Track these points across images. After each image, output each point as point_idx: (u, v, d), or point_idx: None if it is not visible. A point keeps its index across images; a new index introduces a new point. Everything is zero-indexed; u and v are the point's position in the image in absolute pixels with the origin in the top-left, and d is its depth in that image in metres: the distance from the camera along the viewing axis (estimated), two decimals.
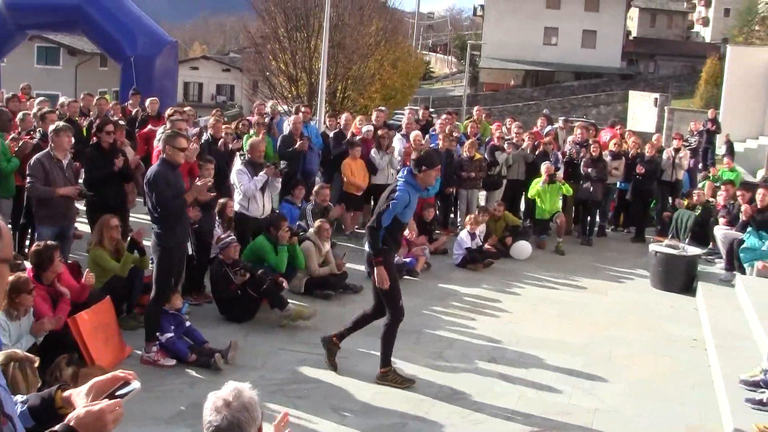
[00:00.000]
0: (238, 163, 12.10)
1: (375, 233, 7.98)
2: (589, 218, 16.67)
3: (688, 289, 12.84)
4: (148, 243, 9.16)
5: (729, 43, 44.41)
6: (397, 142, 15.84)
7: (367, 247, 8.33)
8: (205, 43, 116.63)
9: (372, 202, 15.54)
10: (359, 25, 36.66)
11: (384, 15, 41.78)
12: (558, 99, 67.00)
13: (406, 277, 12.55)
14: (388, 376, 8.26)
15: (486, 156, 16.07)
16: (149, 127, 15.00)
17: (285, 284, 10.26)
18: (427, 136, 16.36)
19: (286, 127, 15.03)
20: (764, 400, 7.57)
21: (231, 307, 10.01)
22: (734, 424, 7.26)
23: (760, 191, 13.46)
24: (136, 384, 2.85)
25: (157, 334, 8.36)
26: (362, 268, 12.56)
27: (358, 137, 15.44)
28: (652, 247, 13.58)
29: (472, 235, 13.80)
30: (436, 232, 14.94)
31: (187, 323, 8.81)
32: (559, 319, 11.13)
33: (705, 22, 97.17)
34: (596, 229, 16.89)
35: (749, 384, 8.10)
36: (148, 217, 8.87)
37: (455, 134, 16.11)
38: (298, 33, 35.79)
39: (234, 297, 9.96)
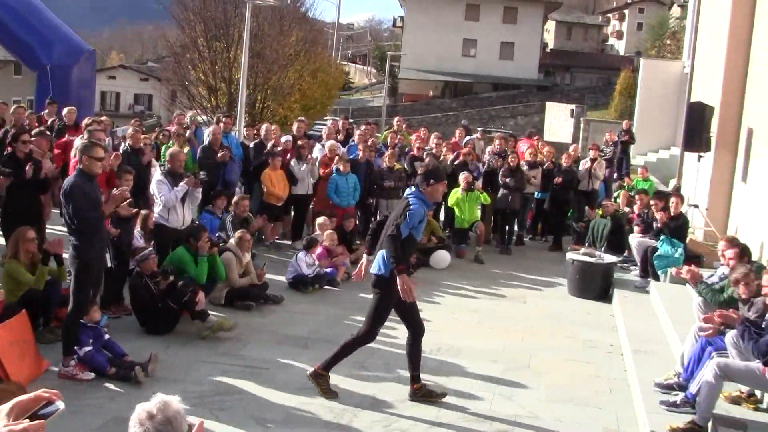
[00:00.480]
0: (158, 174, 11.95)
1: (395, 241, 7.71)
2: (507, 227, 16.89)
3: (605, 296, 13.10)
4: (65, 254, 8.99)
5: (642, 56, 45.53)
6: (318, 152, 15.85)
7: (375, 270, 7.97)
8: (122, 51, 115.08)
9: (292, 213, 15.51)
10: (279, 36, 36.54)
11: (304, 25, 41.73)
12: (476, 110, 67.72)
13: (327, 287, 12.57)
14: (320, 380, 8.17)
15: (406, 166, 16.17)
16: (67, 137, 14.72)
17: (202, 300, 10.10)
18: (346, 147, 16.43)
19: (206, 138, 14.91)
20: (678, 402, 7.78)
21: (151, 319, 9.87)
22: (650, 426, 7.44)
23: (672, 200, 13.81)
24: (60, 404, 2.78)
25: (75, 347, 8.21)
26: (282, 278, 12.54)
27: (278, 148, 15.38)
28: (569, 255, 13.82)
29: None
30: (356, 242, 14.95)
31: (106, 336, 8.68)
32: (479, 327, 11.26)
33: (619, 35, 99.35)
34: (514, 238, 17.11)
35: (664, 387, 8.31)
36: (65, 229, 8.71)
37: (375, 144, 16.19)
38: (217, 42, 35.49)
39: (154, 309, 9.83)
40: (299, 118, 18.67)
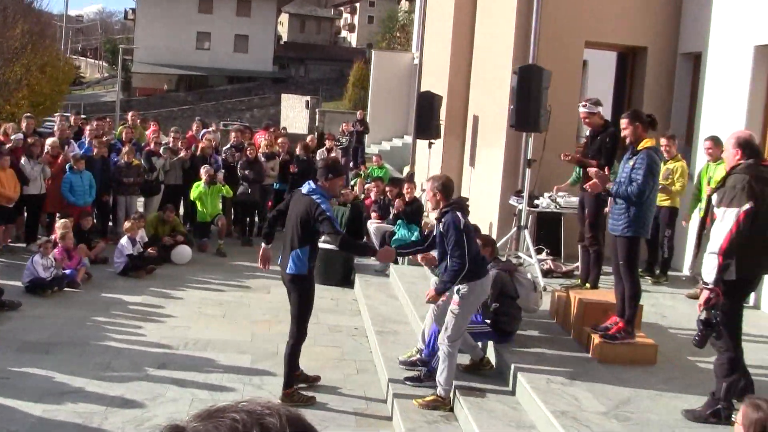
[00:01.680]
0: None
1: (346, 239, 8.06)
2: (248, 219, 16.93)
3: (347, 281, 13.46)
4: None
5: (374, 48, 46.83)
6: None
7: (290, 270, 7.91)
8: None
9: (26, 214, 14.73)
10: (3, 28, 34.46)
11: (30, 17, 39.51)
12: (212, 103, 67.19)
13: (67, 289, 12.08)
14: (294, 397, 8.07)
15: (143, 162, 15.83)
16: None
17: None
18: (77, 144, 15.85)
19: None
20: (422, 377, 8.18)
21: None
22: (396, 403, 7.76)
23: (406, 186, 14.38)
24: None
25: None
26: (19, 283, 11.93)
27: (7, 146, 14.53)
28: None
29: (133, 242, 13.51)
30: (95, 240, 14.45)
31: None
32: (225, 319, 11.25)
33: (351, 28, 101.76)
34: (256, 229, 17.19)
35: (407, 364, 8.69)
36: None
37: (108, 140, 15.73)
38: None
39: None
40: (26, 114, 17.74)
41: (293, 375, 8.25)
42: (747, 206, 6.16)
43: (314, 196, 7.80)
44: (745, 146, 6.51)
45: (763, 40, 11.14)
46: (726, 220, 6.24)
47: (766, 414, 3.88)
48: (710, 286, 6.31)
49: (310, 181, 8.06)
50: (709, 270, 6.30)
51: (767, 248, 6.49)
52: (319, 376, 8.72)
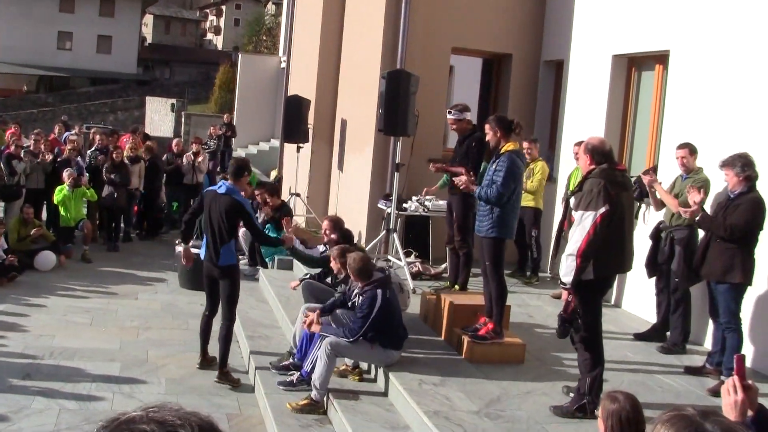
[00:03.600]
0: None
1: (262, 233, 9.68)
2: (114, 224, 16.57)
3: None
4: None
5: (240, 52, 46.36)
6: None
7: (224, 261, 8.83)
8: None
9: None
10: None
11: None
12: (75, 105, 65.17)
13: None
14: (227, 377, 8.89)
15: (3, 165, 15.29)
16: None
17: None
18: None
19: None
20: (294, 381, 8.19)
21: None
22: (270, 407, 7.75)
23: (268, 197, 14.35)
24: None
25: None
26: None
27: None
28: (178, 248, 13.85)
29: None
30: None
31: None
32: (92, 327, 10.99)
33: (217, 30, 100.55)
34: (122, 234, 16.84)
35: (280, 368, 8.70)
36: None
37: None
38: None
39: None
40: None
41: (227, 354, 8.99)
42: (603, 209, 6.42)
43: (234, 195, 8.65)
44: (593, 152, 6.78)
45: (621, 49, 11.62)
46: (584, 223, 6.48)
47: (622, 405, 4.09)
48: (568, 287, 6.56)
49: (224, 181, 8.86)
50: (567, 272, 6.54)
51: (623, 249, 6.79)
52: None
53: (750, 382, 3.13)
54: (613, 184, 6.56)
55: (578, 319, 6.62)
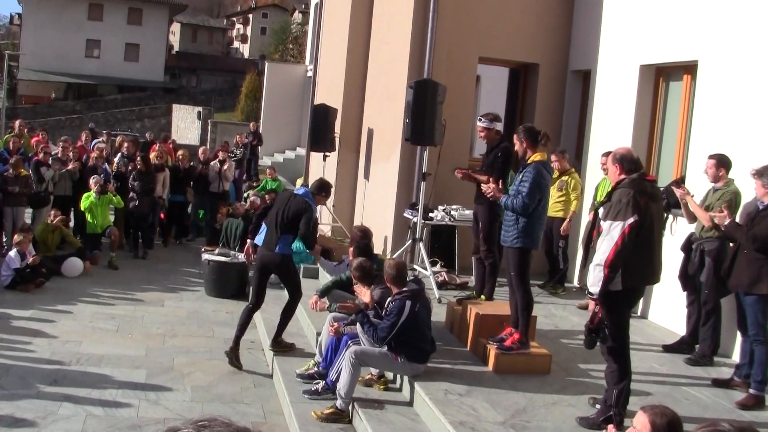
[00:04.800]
0: None
1: (310, 235, 9.87)
2: (140, 231, 16.65)
3: (242, 294, 13.33)
4: None
5: (266, 60, 46.56)
6: None
7: (283, 251, 9.65)
8: None
9: None
10: None
11: None
12: (102, 112, 65.76)
13: None
14: (282, 343, 9.87)
15: (31, 172, 15.41)
16: None
17: None
18: None
19: None
20: (320, 390, 8.19)
21: None
22: (295, 415, 7.75)
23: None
24: None
25: None
26: None
27: None
28: (205, 256, 13.94)
29: (23, 255, 13.12)
30: None
31: None
32: (118, 333, 11.05)
33: (244, 39, 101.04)
34: (141, 240, 16.92)
35: (305, 377, 8.71)
36: None
37: None
38: None
39: None
40: None
41: (285, 327, 9.97)
42: (631, 219, 6.38)
43: (308, 198, 9.55)
44: (622, 160, 6.75)
45: (648, 59, 11.56)
46: (612, 233, 6.45)
47: (670, 418, 4.00)
48: (595, 297, 6.52)
49: (305, 187, 10.14)
50: (595, 282, 6.50)
51: (651, 260, 6.74)
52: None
53: None
54: (643, 194, 6.51)
55: (605, 330, 6.58)
